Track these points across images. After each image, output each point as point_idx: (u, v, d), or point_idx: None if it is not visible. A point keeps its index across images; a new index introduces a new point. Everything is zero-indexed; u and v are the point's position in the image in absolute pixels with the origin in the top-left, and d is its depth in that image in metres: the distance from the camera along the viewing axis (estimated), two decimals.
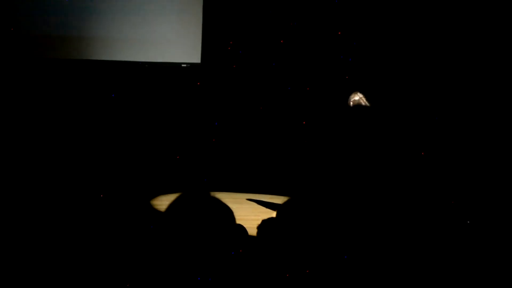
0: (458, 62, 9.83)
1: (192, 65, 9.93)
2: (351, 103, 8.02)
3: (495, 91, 9.83)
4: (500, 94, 9.84)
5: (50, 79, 9.90)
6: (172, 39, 9.92)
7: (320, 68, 9.94)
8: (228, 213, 1.83)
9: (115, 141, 10.01)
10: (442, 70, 9.85)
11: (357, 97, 8.01)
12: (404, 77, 9.81)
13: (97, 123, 9.96)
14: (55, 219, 7.63)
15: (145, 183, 9.60)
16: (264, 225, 3.22)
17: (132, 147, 10.03)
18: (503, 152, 9.77)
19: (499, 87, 9.84)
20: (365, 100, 7.98)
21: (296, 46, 9.94)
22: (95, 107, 9.92)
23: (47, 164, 9.75)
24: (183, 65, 9.95)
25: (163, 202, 8.25)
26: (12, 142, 9.81)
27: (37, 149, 9.89)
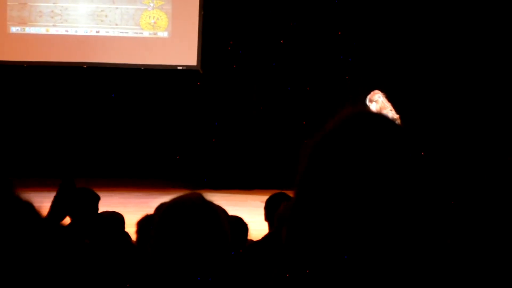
0: (458, 62, 9.81)
1: (188, 68, 9.91)
2: (373, 103, 7.74)
3: (495, 91, 9.80)
4: (500, 94, 9.81)
5: (47, 83, 9.89)
6: (168, 41, 9.90)
7: (320, 68, 9.91)
8: (218, 218, 1.80)
9: (113, 140, 9.99)
10: (442, 70, 9.82)
11: (379, 98, 7.73)
12: (404, 77, 9.78)
13: (95, 124, 9.96)
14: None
15: (141, 182, 9.59)
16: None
17: (131, 146, 10.01)
18: (503, 152, 9.73)
19: (499, 87, 9.81)
20: (386, 100, 7.75)
21: (296, 46, 9.91)
22: (91, 110, 9.93)
23: (46, 163, 9.74)
24: (179, 68, 9.92)
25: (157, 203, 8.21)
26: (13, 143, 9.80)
27: (37, 149, 9.87)
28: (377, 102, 7.69)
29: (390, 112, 7.61)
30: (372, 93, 7.83)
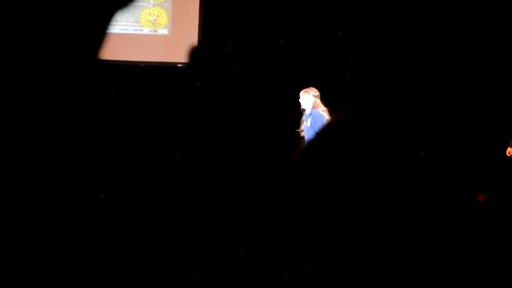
0: (458, 62, 9.83)
1: (187, 65, 9.94)
2: (304, 98, 7.96)
3: (495, 91, 9.83)
4: (500, 94, 9.84)
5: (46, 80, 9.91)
6: (168, 38, 9.93)
7: (320, 68, 9.93)
8: None
9: (112, 140, 10.02)
10: (442, 70, 9.85)
11: (313, 96, 7.94)
12: (404, 77, 9.81)
13: (93, 123, 9.97)
14: (56, 219, 7.63)
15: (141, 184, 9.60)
16: None
17: (130, 147, 10.04)
18: (502, 152, 9.77)
19: (499, 87, 9.84)
20: (319, 101, 7.97)
21: (296, 46, 9.94)
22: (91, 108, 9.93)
23: (44, 163, 9.75)
24: (178, 65, 9.95)
25: None
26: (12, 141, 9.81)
27: (35, 149, 9.88)
28: (308, 98, 7.96)
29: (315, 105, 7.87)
30: (307, 89, 8.11)
